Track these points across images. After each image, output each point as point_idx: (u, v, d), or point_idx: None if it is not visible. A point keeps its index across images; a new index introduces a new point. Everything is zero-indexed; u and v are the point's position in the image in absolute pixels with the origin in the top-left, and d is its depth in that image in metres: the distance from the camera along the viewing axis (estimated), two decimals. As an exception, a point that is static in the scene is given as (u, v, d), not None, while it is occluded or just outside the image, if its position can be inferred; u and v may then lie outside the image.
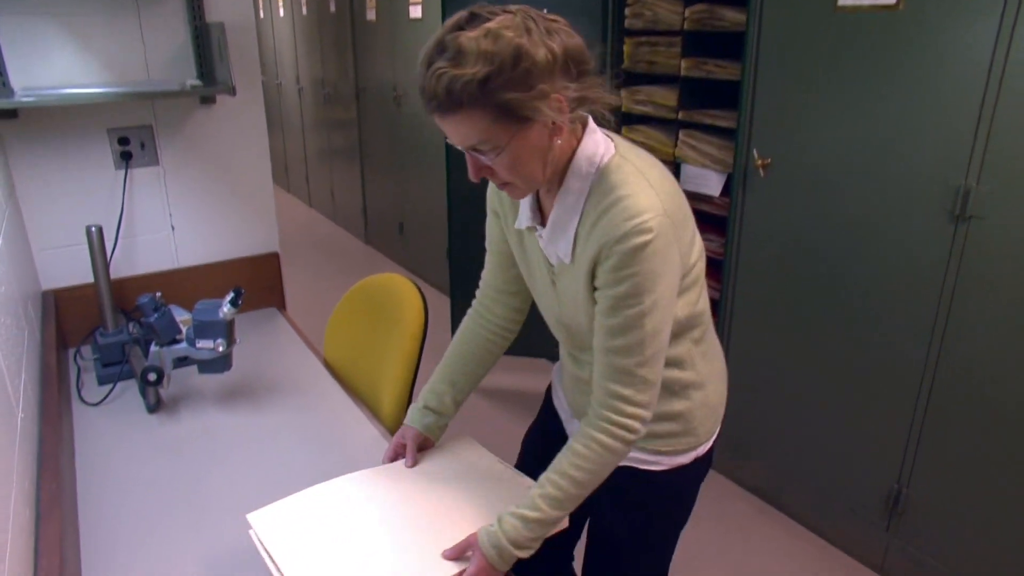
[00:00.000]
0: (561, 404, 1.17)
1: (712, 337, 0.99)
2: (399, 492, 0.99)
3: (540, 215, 0.92)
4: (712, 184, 1.96)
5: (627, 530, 1.08)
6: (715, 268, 1.97)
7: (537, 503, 0.90)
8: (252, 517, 0.96)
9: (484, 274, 1.13)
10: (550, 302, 0.97)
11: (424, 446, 1.14)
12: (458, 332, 1.16)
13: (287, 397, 1.52)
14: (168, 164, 1.66)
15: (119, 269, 1.74)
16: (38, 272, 1.66)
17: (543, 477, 0.91)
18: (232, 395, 1.54)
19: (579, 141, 0.84)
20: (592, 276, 0.85)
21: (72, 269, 1.70)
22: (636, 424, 0.86)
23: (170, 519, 1.16)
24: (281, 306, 1.97)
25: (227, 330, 1.38)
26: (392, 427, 1.46)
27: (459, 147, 0.80)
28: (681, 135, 2.03)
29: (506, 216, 0.99)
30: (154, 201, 1.66)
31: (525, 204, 0.93)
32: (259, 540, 0.93)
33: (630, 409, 0.85)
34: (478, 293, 1.14)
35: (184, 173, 1.68)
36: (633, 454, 1.02)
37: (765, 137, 1.71)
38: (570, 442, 0.91)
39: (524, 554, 0.90)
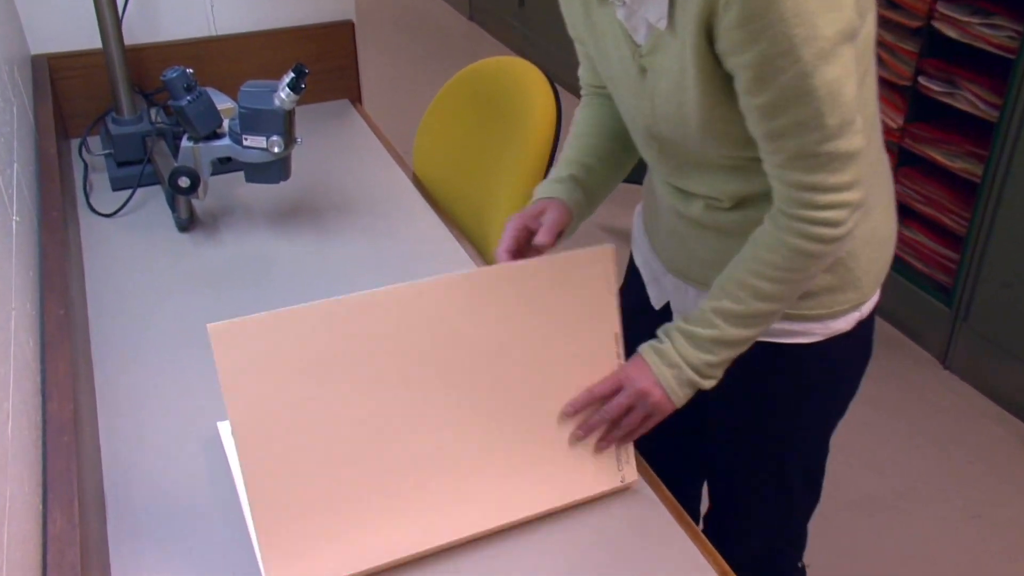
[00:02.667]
0: (645, 257, 1.19)
1: (879, 142, 1.00)
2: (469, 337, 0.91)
3: None
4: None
5: (762, 429, 1.14)
6: (983, 129, 2.14)
7: (710, 318, 0.95)
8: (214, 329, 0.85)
9: (580, 72, 1.17)
10: (638, 102, 0.97)
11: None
12: (581, 112, 1.16)
13: (362, 221, 1.58)
14: None
15: (135, 33, 1.80)
16: (23, 28, 1.75)
17: (715, 287, 0.96)
18: (290, 214, 1.60)
19: None
20: (708, 42, 0.84)
21: (71, 28, 1.73)
22: (840, 213, 0.88)
23: (200, 365, 1.22)
24: (356, 98, 2.05)
25: (284, 124, 1.39)
26: None
27: None
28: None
29: None
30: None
31: None
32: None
33: (826, 197, 0.87)
34: (583, 89, 1.18)
35: None
36: (776, 325, 1.04)
37: None
38: (749, 246, 0.94)
39: (707, 384, 0.97)
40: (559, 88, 1.55)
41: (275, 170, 1.46)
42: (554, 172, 1.15)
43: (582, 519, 1.00)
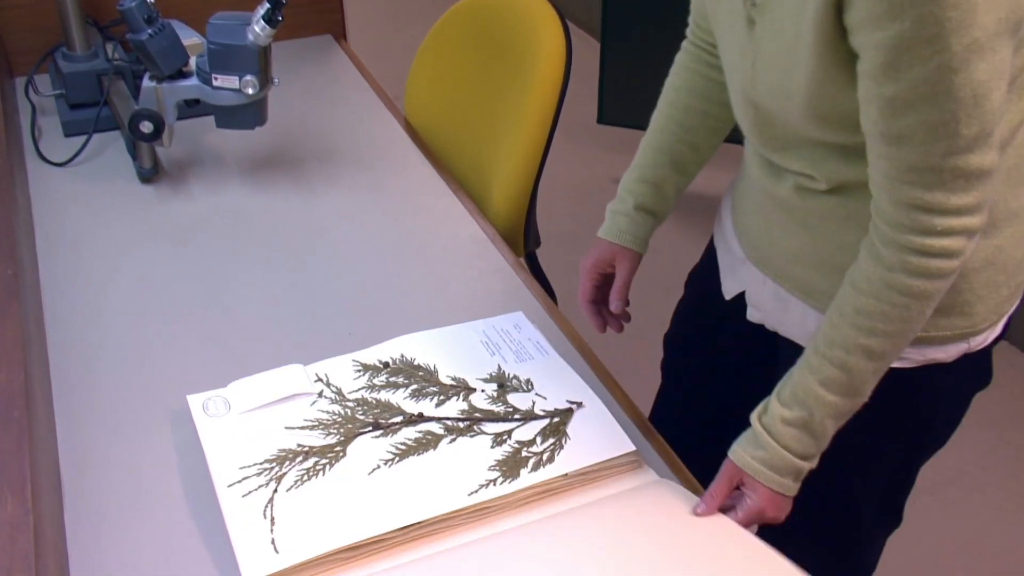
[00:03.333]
0: (725, 238, 1.17)
1: (1021, 147, 0.91)
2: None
3: None
4: None
5: (838, 456, 1.14)
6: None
7: (817, 393, 0.90)
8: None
9: (691, 5, 1.14)
10: (739, 59, 0.92)
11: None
12: (669, 79, 1.16)
13: (347, 172, 1.58)
14: None
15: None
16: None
17: (809, 352, 0.92)
18: (266, 164, 1.60)
19: None
20: (836, 9, 0.77)
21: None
22: (958, 242, 0.82)
23: (167, 332, 1.23)
24: (340, 33, 2.04)
25: (259, 62, 1.38)
26: (506, 229, 1.52)
27: None
28: None
29: None
30: None
31: None
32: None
33: (945, 222, 0.81)
34: (689, 21, 1.15)
35: None
36: None
37: None
38: (848, 295, 0.89)
39: (810, 465, 0.95)
40: (570, 25, 1.54)
41: (249, 114, 1.45)
42: (625, 195, 1.17)
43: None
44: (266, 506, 0.96)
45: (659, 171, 1.15)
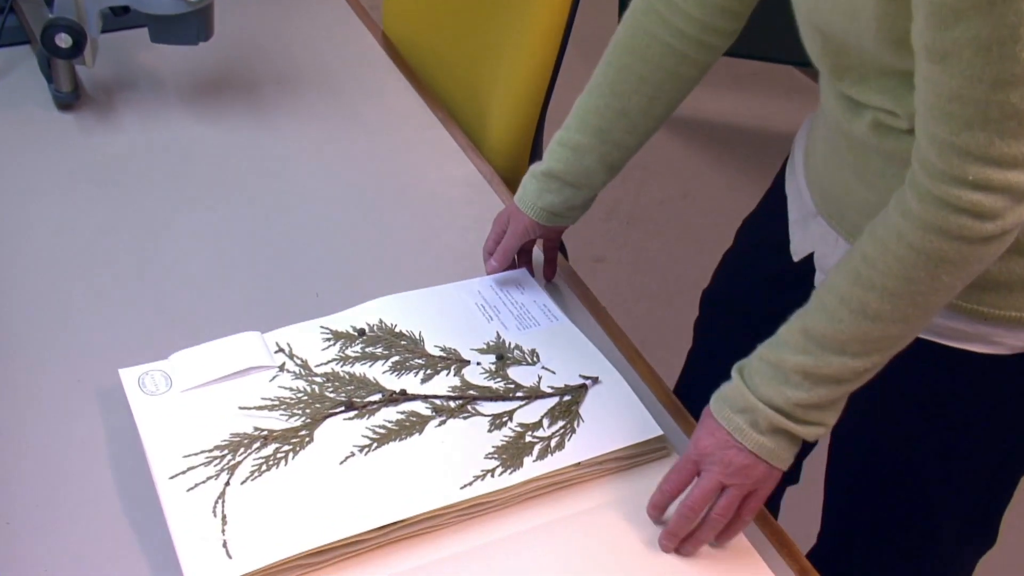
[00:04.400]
0: (798, 188, 1.18)
1: None
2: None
3: None
4: None
5: (920, 453, 1.13)
6: None
7: (799, 340, 0.92)
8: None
9: None
10: None
11: (548, 238, 1.26)
12: (618, 32, 1.17)
13: (312, 98, 1.58)
14: None
15: None
16: None
17: (813, 297, 0.93)
18: (213, 87, 1.59)
19: None
20: None
21: None
22: (998, 201, 0.80)
23: (94, 295, 1.22)
24: None
25: None
26: (506, 168, 1.52)
27: None
28: None
29: None
30: None
31: None
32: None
33: (983, 172, 0.79)
34: None
35: None
36: (940, 320, 1.00)
37: None
38: (859, 240, 0.90)
39: (806, 432, 0.93)
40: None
41: (191, 26, 1.44)
42: (545, 158, 1.20)
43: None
44: (216, 502, 0.96)
45: (582, 137, 1.18)
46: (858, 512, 1.25)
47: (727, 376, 0.98)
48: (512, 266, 1.27)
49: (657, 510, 0.99)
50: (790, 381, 0.91)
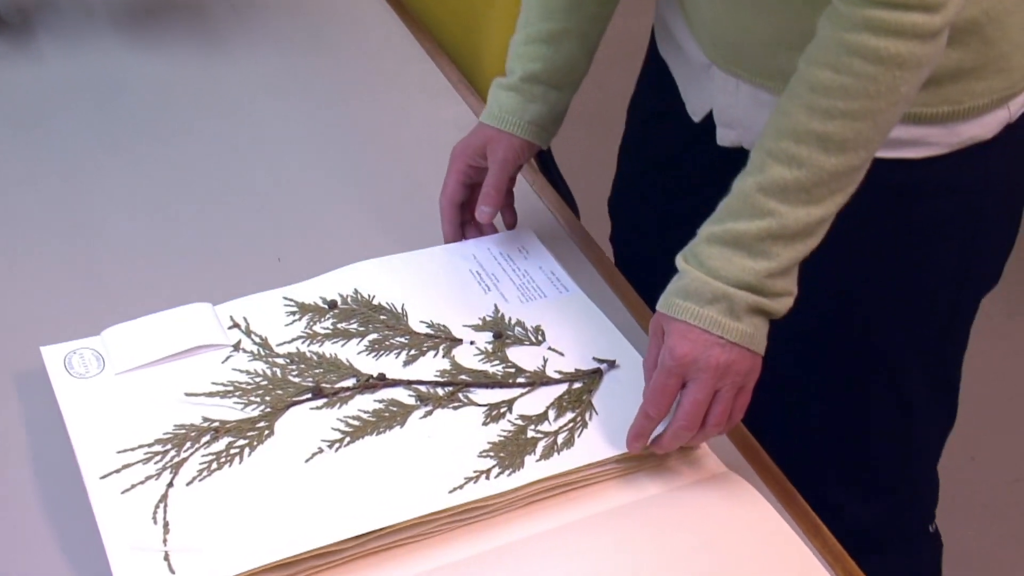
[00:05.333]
0: (678, 45, 1.27)
1: None
2: None
3: None
4: None
5: (852, 302, 1.23)
6: None
7: (756, 201, 0.97)
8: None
9: None
10: None
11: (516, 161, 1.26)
12: None
13: (273, 22, 1.58)
14: None
15: None
16: None
17: (753, 154, 0.99)
18: (154, 8, 1.57)
19: None
20: None
21: None
22: None
23: (12, 259, 1.23)
24: None
25: None
26: None
27: None
28: None
29: None
30: None
31: None
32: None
33: None
34: None
35: None
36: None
37: None
38: (799, 71, 0.97)
39: (777, 305, 0.99)
40: None
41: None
42: (511, 55, 1.24)
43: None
44: (157, 507, 0.95)
45: (552, 23, 1.21)
46: (813, 385, 1.32)
47: (663, 278, 1.02)
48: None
49: (641, 440, 1.01)
50: (754, 251, 0.96)
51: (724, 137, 1.24)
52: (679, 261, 1.01)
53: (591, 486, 1.03)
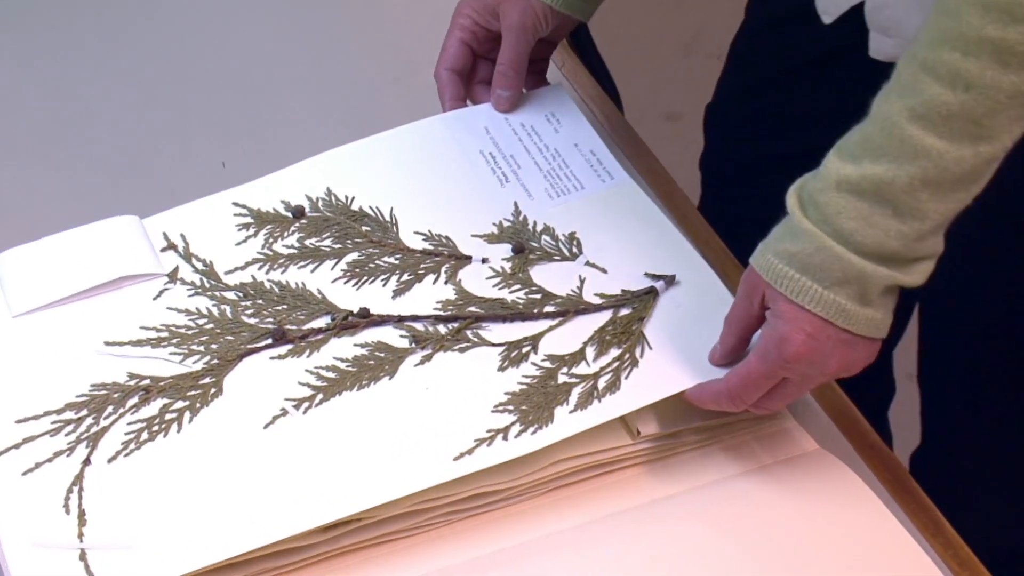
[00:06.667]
0: None
1: None
2: None
3: None
4: None
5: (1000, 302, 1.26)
6: None
7: (905, 131, 0.93)
8: None
9: None
10: None
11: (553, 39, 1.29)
12: None
13: None
14: None
15: None
16: None
17: (900, 67, 0.97)
18: None
19: None
20: None
21: None
22: None
23: None
24: None
25: None
26: None
27: None
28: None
29: None
30: None
31: None
32: None
33: None
34: None
35: None
36: None
37: None
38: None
39: (914, 279, 0.98)
40: None
41: None
42: None
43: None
44: (70, 492, 0.95)
45: None
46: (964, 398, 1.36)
47: (760, 219, 1.01)
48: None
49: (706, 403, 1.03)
50: (902, 208, 0.93)
51: (878, 47, 1.21)
52: (791, 204, 0.98)
53: (636, 467, 1.04)
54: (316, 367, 1.04)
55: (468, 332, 1.07)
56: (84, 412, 1.00)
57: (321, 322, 1.07)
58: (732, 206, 1.19)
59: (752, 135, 1.46)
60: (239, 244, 1.13)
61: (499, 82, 1.23)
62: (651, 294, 1.09)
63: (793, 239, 0.97)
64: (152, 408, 1.01)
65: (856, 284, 0.95)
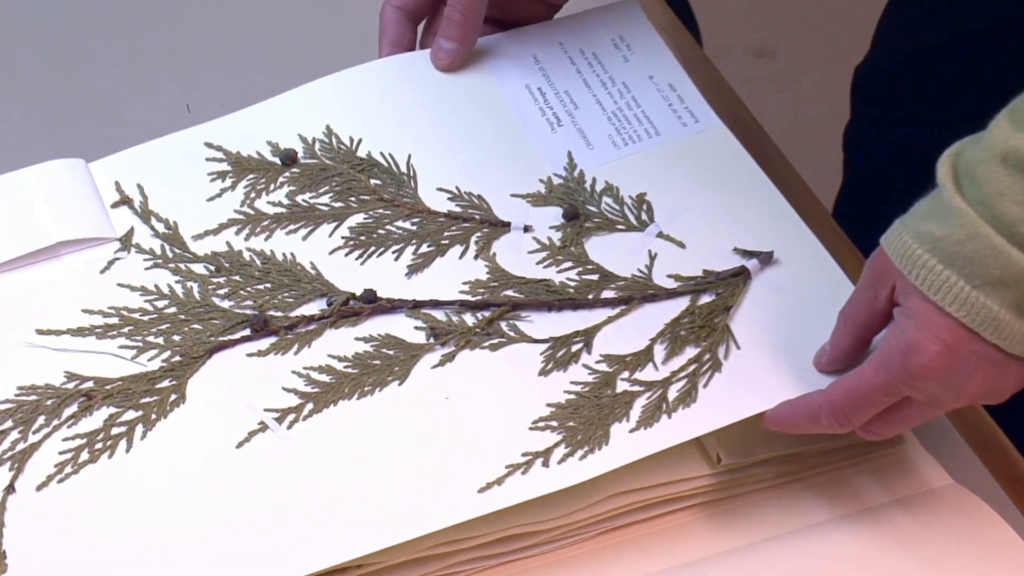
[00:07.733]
0: None
1: None
2: None
3: None
4: None
5: None
6: None
7: None
8: None
9: None
10: None
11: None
12: None
13: None
14: None
15: None
16: None
17: None
18: None
19: None
20: None
21: None
22: None
23: None
24: None
25: None
26: None
27: None
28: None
29: None
30: None
31: None
32: None
33: None
34: None
35: None
36: None
37: None
38: None
39: None
40: None
41: None
42: None
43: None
44: None
45: None
46: None
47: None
48: None
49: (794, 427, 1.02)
50: None
51: None
52: (943, 173, 0.95)
53: (710, 504, 1.03)
54: (306, 367, 1.02)
55: (502, 324, 1.05)
56: (8, 424, 0.99)
57: (314, 307, 1.06)
58: (871, 197, 1.15)
59: (913, 112, 1.44)
60: (211, 199, 1.11)
61: (444, 30, 1.22)
62: (741, 276, 1.07)
63: (940, 219, 0.95)
64: (95, 419, 0.99)
65: (1016, 288, 0.93)
